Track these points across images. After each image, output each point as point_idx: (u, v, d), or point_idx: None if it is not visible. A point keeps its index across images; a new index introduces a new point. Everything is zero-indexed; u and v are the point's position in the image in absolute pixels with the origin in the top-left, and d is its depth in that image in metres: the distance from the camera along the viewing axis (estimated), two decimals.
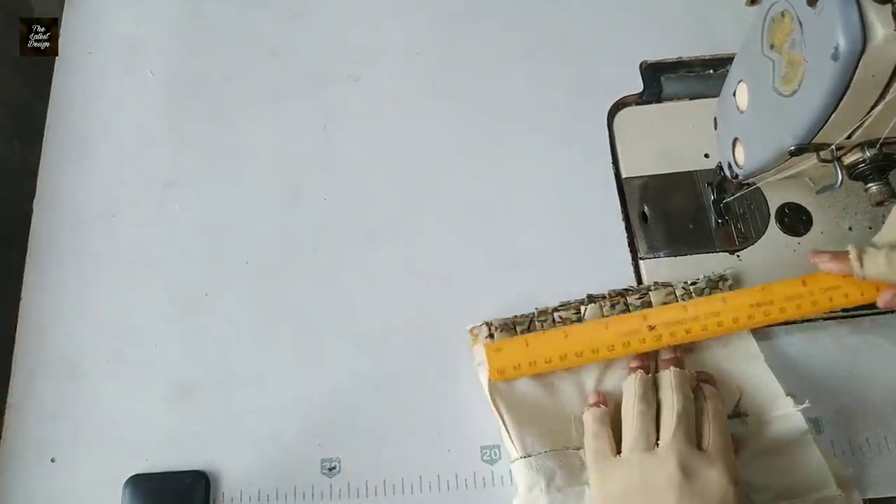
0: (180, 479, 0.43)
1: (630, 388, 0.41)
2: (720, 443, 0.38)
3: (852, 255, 0.40)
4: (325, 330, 0.47)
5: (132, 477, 0.43)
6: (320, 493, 0.43)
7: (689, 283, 0.46)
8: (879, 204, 0.37)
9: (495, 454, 0.44)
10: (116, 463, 0.44)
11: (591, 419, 0.41)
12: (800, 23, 0.34)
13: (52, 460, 0.44)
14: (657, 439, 0.38)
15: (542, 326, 0.46)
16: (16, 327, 0.47)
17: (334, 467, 0.44)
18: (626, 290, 0.47)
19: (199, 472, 0.43)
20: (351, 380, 0.46)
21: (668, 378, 0.40)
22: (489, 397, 0.43)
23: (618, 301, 0.46)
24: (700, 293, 0.46)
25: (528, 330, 0.45)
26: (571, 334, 0.44)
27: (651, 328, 0.44)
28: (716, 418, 0.39)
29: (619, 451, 0.39)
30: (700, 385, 0.41)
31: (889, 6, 0.30)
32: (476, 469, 0.44)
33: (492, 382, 0.44)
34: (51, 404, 0.46)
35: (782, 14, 0.35)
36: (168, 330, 0.47)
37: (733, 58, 0.43)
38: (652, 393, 0.40)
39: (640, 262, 0.49)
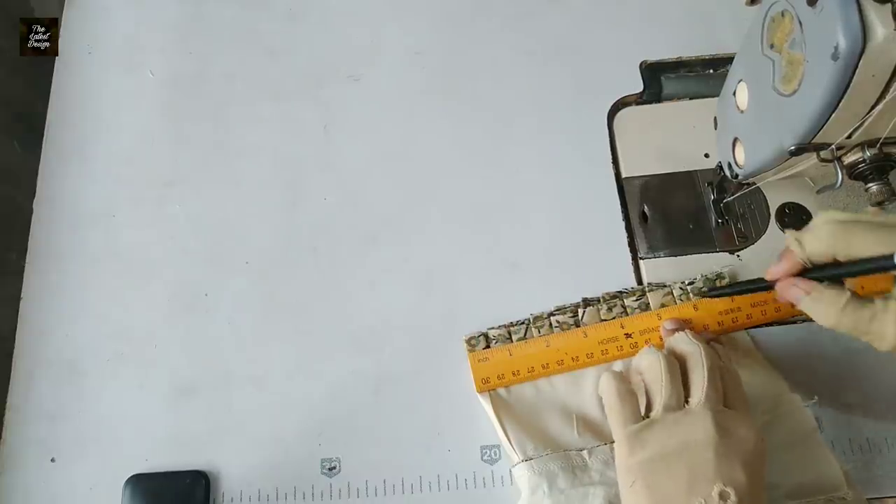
0: (180, 479, 0.43)
1: (648, 351, 0.39)
2: (743, 399, 0.38)
3: (790, 239, 0.36)
4: (325, 330, 0.47)
5: (132, 477, 0.43)
6: (320, 493, 0.43)
7: (686, 283, 0.46)
8: (879, 204, 0.37)
9: (495, 454, 0.44)
10: (116, 463, 0.44)
11: (611, 378, 0.39)
12: (800, 22, 0.34)
13: (52, 460, 0.44)
14: (685, 398, 0.37)
15: (539, 332, 0.46)
16: (16, 327, 0.47)
17: (334, 467, 0.44)
18: (623, 291, 0.47)
19: (199, 472, 0.43)
20: (351, 380, 0.46)
21: (684, 336, 0.40)
22: (490, 405, 0.44)
23: (615, 303, 0.46)
24: (697, 293, 0.46)
25: (525, 338, 0.46)
26: (552, 343, 0.45)
27: (627, 336, 0.45)
28: (734, 376, 0.39)
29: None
30: (711, 344, 0.40)
31: (889, 6, 0.30)
32: (476, 469, 0.44)
33: (491, 392, 0.44)
34: (51, 404, 0.46)
35: (782, 14, 0.35)
36: (168, 330, 0.47)
37: (733, 58, 0.43)
38: (672, 355, 0.39)
39: (640, 262, 0.49)
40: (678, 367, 0.38)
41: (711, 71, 0.54)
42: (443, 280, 0.48)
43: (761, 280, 0.40)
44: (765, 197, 0.50)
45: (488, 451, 0.44)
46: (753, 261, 0.48)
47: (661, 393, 0.37)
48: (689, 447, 0.35)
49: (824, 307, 0.35)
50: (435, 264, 0.49)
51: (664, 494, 0.34)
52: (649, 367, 0.38)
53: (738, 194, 0.48)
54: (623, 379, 0.39)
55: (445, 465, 0.44)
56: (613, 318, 0.46)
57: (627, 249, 0.49)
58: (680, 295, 0.46)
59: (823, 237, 0.34)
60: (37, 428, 0.45)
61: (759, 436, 0.36)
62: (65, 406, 0.46)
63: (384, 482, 0.43)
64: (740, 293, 0.44)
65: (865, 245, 0.33)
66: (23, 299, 0.48)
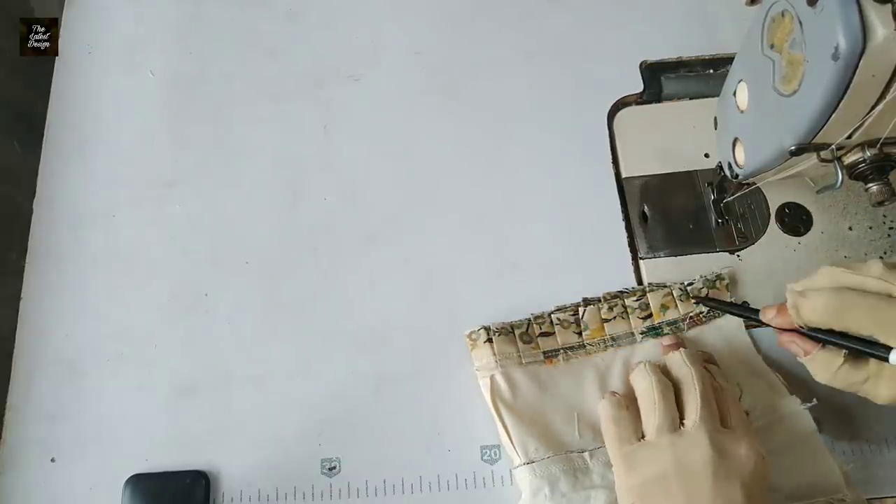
0: (180, 479, 0.43)
1: (643, 372, 0.40)
2: (742, 418, 0.38)
3: (789, 302, 0.38)
4: (325, 330, 0.47)
5: (132, 477, 0.43)
6: (320, 493, 0.43)
7: (685, 283, 0.46)
8: (880, 204, 0.37)
9: (495, 454, 0.44)
10: (116, 463, 0.44)
11: (607, 405, 0.40)
12: (800, 22, 0.34)
13: (52, 460, 0.44)
14: (681, 420, 0.37)
15: (540, 328, 0.46)
16: (16, 327, 0.47)
17: (334, 467, 0.44)
18: (623, 291, 0.47)
19: (199, 472, 0.43)
20: (351, 380, 0.46)
21: (679, 358, 0.40)
22: (490, 402, 0.43)
23: (615, 303, 0.46)
24: (697, 293, 0.46)
25: (526, 333, 0.45)
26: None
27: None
28: (731, 395, 0.39)
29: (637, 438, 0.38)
30: (706, 365, 0.41)
31: (889, 6, 0.30)
32: (476, 469, 0.44)
33: (493, 388, 0.44)
34: (51, 404, 0.46)
35: (782, 14, 0.35)
36: (168, 330, 0.47)
37: (733, 58, 0.43)
38: (666, 376, 0.40)
39: (641, 262, 0.49)
40: (672, 389, 0.39)
41: (711, 71, 0.54)
42: (443, 280, 0.48)
43: (756, 313, 0.41)
44: (765, 197, 0.50)
45: (488, 451, 0.44)
46: (753, 261, 0.48)
47: (654, 416, 0.37)
48: (686, 468, 0.35)
49: (820, 368, 0.37)
50: (435, 264, 0.49)
51: None
52: (643, 392, 0.39)
53: (738, 194, 0.48)
54: (619, 402, 0.40)
55: (445, 465, 0.44)
56: (614, 317, 0.46)
57: (627, 249, 0.49)
58: (679, 295, 0.46)
59: (819, 309, 0.36)
60: (37, 428, 0.45)
61: (760, 455, 0.36)
62: (65, 406, 0.46)
63: (384, 482, 0.43)
64: (733, 314, 0.45)
65: (860, 323, 0.34)
66: (23, 299, 0.48)
